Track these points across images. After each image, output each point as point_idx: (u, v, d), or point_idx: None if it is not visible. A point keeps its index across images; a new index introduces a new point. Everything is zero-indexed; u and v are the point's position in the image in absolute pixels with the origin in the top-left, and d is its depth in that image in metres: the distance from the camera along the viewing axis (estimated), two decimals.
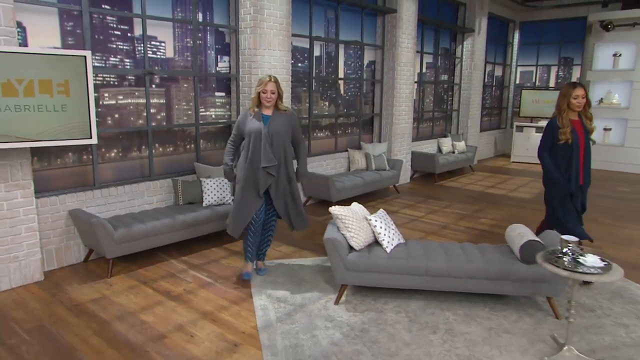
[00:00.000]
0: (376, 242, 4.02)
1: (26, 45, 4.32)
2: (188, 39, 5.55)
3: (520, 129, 11.85)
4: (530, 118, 12.04)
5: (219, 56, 5.96)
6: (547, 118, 11.72)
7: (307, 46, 7.12)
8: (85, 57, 3.83)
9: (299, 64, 7.08)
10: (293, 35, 6.62)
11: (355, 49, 8.09)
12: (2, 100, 3.62)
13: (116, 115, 5.03)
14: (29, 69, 3.68)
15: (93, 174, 4.82)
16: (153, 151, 5.31)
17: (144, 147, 5.27)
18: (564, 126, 4.19)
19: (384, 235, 3.96)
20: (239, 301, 3.92)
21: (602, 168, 10.94)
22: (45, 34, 4.49)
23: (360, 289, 4.13)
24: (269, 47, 5.89)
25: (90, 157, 4.81)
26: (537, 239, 3.92)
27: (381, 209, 4.28)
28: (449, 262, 3.82)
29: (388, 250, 3.93)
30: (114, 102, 5.01)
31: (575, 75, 12.33)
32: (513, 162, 12.00)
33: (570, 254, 3.15)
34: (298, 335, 3.39)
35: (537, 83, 13.09)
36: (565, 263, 3.08)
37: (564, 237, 3.22)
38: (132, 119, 5.15)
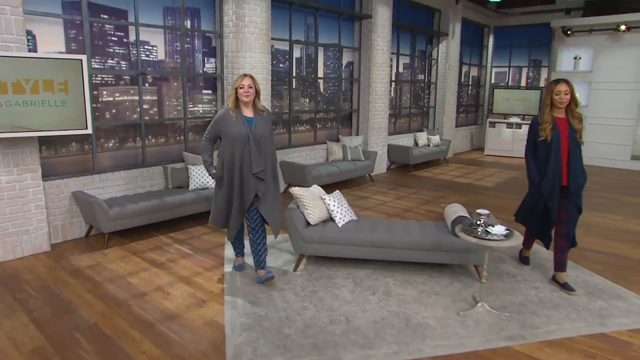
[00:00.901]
0: (330, 219, 4.45)
1: (36, 51, 4.75)
2: (177, 43, 5.96)
3: (492, 124, 12.22)
4: (504, 115, 12.40)
5: (206, 58, 6.36)
6: (518, 115, 12.13)
7: (288, 49, 7.51)
8: (81, 60, 4.25)
9: (281, 65, 7.48)
10: (274, 39, 7.03)
11: (334, 51, 8.47)
12: (12, 97, 4.06)
13: (113, 110, 5.45)
14: (34, 71, 4.11)
15: (93, 161, 5.27)
16: (146, 142, 5.75)
17: (138, 138, 5.70)
18: (544, 122, 3.90)
19: (337, 212, 4.39)
20: (212, 268, 4.36)
21: None
22: (52, 40, 4.91)
23: (317, 259, 4.56)
24: (250, 50, 6.29)
25: (91, 146, 5.25)
26: (466, 215, 4.33)
27: (337, 191, 4.69)
28: (390, 235, 4.23)
29: (340, 225, 4.35)
30: (111, 99, 5.43)
31: (543, 76, 12.67)
32: (486, 155, 12.37)
33: (483, 225, 3.56)
34: (257, 295, 3.82)
35: (510, 83, 13.44)
36: (479, 233, 3.50)
37: (478, 210, 3.62)
38: (127, 113, 5.58)
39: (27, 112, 4.13)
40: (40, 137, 4.65)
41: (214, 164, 3.99)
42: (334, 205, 4.40)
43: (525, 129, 11.79)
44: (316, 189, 4.60)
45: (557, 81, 3.86)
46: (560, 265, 4.10)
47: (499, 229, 3.51)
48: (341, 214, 4.41)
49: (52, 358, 2.93)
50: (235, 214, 3.91)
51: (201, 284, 4.03)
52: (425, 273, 4.35)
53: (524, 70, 13.14)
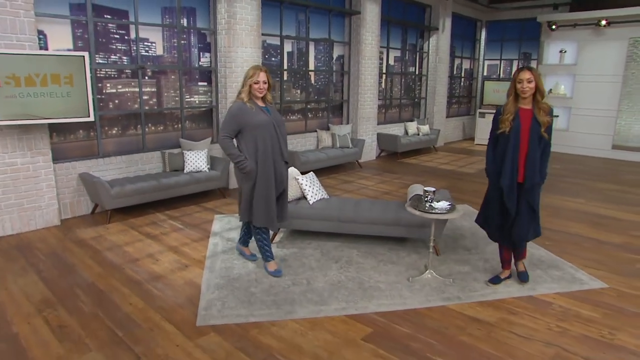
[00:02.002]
0: (303, 197, 4.88)
1: (47, 48, 5.22)
2: (175, 40, 6.40)
3: (482, 115, 12.47)
4: (494, 106, 12.64)
5: (201, 53, 6.79)
6: None
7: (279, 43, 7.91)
8: (83, 56, 4.72)
9: (273, 59, 7.88)
10: (265, 34, 7.42)
11: (325, 45, 8.84)
12: (25, 89, 4.55)
13: (116, 101, 5.93)
14: (43, 66, 4.59)
15: (97, 147, 5.76)
16: (146, 129, 6.23)
17: (138, 126, 6.18)
18: (504, 113, 3.56)
19: (308, 191, 4.81)
20: (198, 240, 4.84)
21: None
22: (61, 39, 5.38)
23: (293, 233, 5.00)
24: (241, 45, 6.70)
25: (96, 133, 5.73)
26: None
27: (311, 172, 5.10)
28: (355, 212, 4.65)
29: (311, 202, 4.78)
30: (114, 90, 5.91)
31: None
32: (476, 144, 12.65)
33: (429, 200, 3.95)
34: (233, 262, 4.29)
35: (501, 75, 13.65)
36: (426, 207, 3.90)
37: (426, 188, 4.00)
38: (129, 104, 6.05)
39: (38, 103, 4.62)
40: (50, 125, 5.15)
41: (245, 158, 3.70)
42: (306, 185, 4.82)
43: None
44: (293, 170, 5.02)
45: (521, 68, 3.50)
46: (519, 257, 3.98)
47: (442, 204, 3.90)
48: (312, 192, 4.84)
49: (55, 306, 3.43)
50: (272, 205, 3.81)
51: (187, 252, 4.50)
52: (388, 246, 4.76)
53: (515, 63, 13.34)
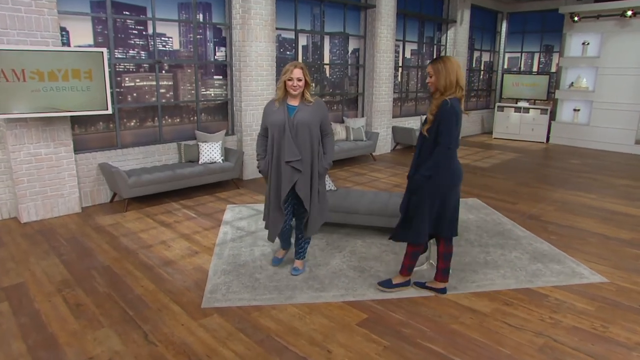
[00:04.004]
0: None
1: (69, 44, 5.51)
2: (190, 35, 6.62)
3: (501, 108, 12.37)
4: (515, 100, 12.52)
5: (217, 47, 7.00)
6: (526, 100, 12.23)
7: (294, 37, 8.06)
8: (102, 52, 4.97)
9: (287, 52, 8.04)
10: (280, 29, 7.58)
11: (340, 39, 8.94)
12: (48, 84, 4.84)
13: (134, 94, 6.20)
14: (64, 62, 4.86)
15: (116, 138, 6.05)
16: (163, 122, 6.49)
17: (155, 118, 6.45)
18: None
19: None
20: (210, 228, 5.07)
21: (568, 144, 11.45)
22: (83, 35, 5.66)
23: None
24: (255, 40, 6.88)
25: (115, 125, 6.02)
26: None
27: None
28: (358, 203, 4.80)
29: None
30: (132, 84, 6.18)
31: (555, 61, 12.65)
32: (494, 138, 12.56)
33: None
34: (241, 249, 4.50)
35: (522, 68, 13.47)
36: None
37: None
38: (146, 97, 6.32)
39: (60, 96, 4.90)
40: (72, 117, 5.45)
41: (264, 158, 3.68)
42: None
43: (533, 113, 11.93)
44: None
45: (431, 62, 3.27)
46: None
47: None
48: None
49: (73, 286, 3.70)
50: (275, 211, 3.65)
51: (197, 239, 4.74)
52: None
53: (536, 56, 13.14)
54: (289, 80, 3.44)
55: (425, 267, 4.15)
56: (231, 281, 3.83)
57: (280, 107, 3.54)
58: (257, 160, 3.75)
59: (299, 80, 3.44)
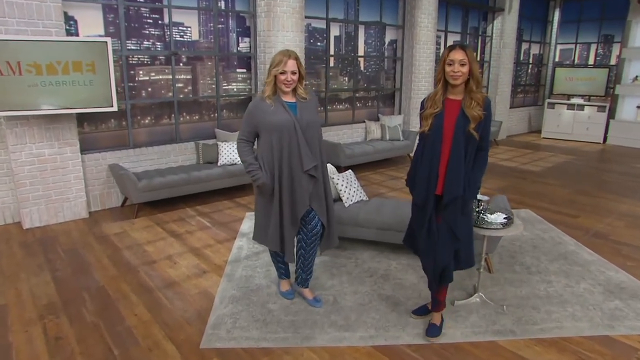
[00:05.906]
0: (339, 198, 4.36)
1: (77, 34, 5.03)
2: (211, 24, 6.04)
3: (551, 105, 11.27)
4: (567, 96, 11.38)
5: (240, 37, 6.40)
6: (582, 95, 11.08)
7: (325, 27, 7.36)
8: (106, 42, 4.44)
9: (318, 43, 7.36)
10: (310, 17, 6.90)
11: (376, 29, 8.17)
12: (47, 78, 4.35)
13: (149, 89, 5.68)
14: (64, 53, 4.36)
15: (128, 137, 5.55)
16: (180, 119, 5.95)
17: (172, 115, 5.91)
18: (427, 108, 2.69)
19: (344, 192, 4.29)
20: (223, 241, 4.47)
21: (629, 145, 10.26)
22: (92, 24, 5.17)
23: None
24: (282, 29, 6.23)
25: (127, 122, 5.52)
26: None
27: (349, 171, 4.57)
28: (394, 218, 4.08)
29: (346, 205, 4.26)
30: (147, 78, 5.66)
31: (615, 53, 11.39)
32: (543, 137, 11.47)
33: (482, 211, 3.31)
34: (255, 269, 3.87)
35: (576, 61, 12.25)
36: (477, 220, 3.26)
37: (479, 196, 3.36)
38: (162, 91, 5.79)
39: (59, 92, 4.41)
40: (80, 114, 4.97)
41: (261, 168, 2.98)
42: (341, 185, 4.30)
43: (588, 110, 10.79)
44: (329, 167, 4.52)
45: (452, 47, 2.58)
46: (433, 304, 3.05)
47: (496, 217, 3.25)
48: (349, 194, 4.31)
49: (58, 312, 3.18)
50: (289, 228, 3.07)
51: (208, 255, 4.15)
52: None
53: (593, 47, 11.90)
54: (281, 74, 2.85)
55: (476, 299, 3.40)
56: (239, 312, 3.21)
57: (277, 105, 2.92)
58: (251, 171, 2.97)
59: (294, 73, 2.87)
